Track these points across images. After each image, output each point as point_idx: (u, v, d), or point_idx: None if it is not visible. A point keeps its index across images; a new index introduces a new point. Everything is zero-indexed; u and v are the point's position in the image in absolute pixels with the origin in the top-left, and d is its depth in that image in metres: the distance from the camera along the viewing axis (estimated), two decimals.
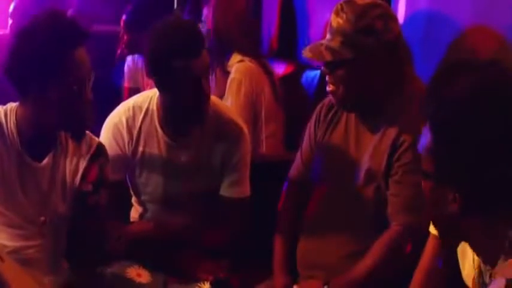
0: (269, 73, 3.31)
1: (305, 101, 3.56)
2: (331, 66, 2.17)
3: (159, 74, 2.35)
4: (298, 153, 2.45)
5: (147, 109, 2.48)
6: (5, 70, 2.02)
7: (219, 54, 3.27)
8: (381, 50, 2.12)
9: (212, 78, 3.21)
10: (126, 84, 3.90)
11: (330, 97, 2.31)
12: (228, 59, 3.30)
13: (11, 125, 2.09)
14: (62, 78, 2.00)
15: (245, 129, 2.54)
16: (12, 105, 2.12)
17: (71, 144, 2.16)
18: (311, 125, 2.41)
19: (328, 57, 2.15)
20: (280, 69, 3.71)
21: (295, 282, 2.30)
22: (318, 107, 2.41)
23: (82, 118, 2.08)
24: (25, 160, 2.10)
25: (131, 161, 2.48)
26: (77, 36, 2.03)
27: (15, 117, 2.09)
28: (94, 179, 2.17)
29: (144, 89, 3.54)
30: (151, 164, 2.47)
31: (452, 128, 1.39)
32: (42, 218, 2.12)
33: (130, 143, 2.47)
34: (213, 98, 2.53)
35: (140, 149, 2.47)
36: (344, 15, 2.12)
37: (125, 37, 3.71)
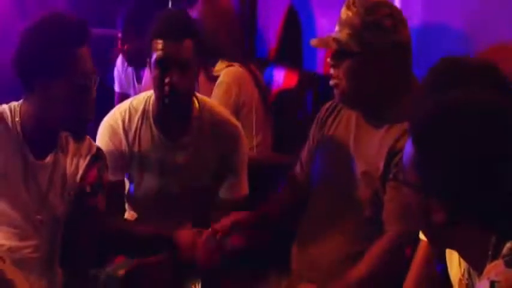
0: (258, 81, 3.36)
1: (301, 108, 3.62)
2: (337, 58, 2.25)
3: (147, 57, 2.45)
4: (301, 155, 2.53)
5: (144, 110, 2.57)
6: (12, 64, 2.13)
7: (203, 59, 3.34)
8: (387, 49, 2.21)
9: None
10: (116, 89, 3.94)
11: (330, 102, 2.41)
12: (213, 65, 3.34)
13: (16, 121, 2.17)
14: (66, 73, 2.10)
15: (241, 130, 2.63)
16: (15, 103, 2.20)
17: (71, 146, 2.24)
18: (312, 127, 2.49)
19: (334, 46, 2.23)
20: (280, 76, 3.74)
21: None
22: (320, 111, 2.49)
23: (84, 116, 2.16)
24: (28, 158, 2.18)
25: (128, 162, 2.55)
26: (81, 34, 2.13)
27: (19, 115, 2.17)
28: (93, 181, 2.25)
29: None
30: (147, 164, 2.55)
31: (430, 138, 1.44)
32: (39, 217, 2.19)
33: (127, 145, 2.55)
34: (207, 99, 2.63)
35: (137, 150, 2.55)
36: (354, 9, 2.21)
37: (126, 47, 3.66)
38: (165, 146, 2.55)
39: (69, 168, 2.24)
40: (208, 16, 3.38)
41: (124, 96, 3.55)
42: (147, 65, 2.53)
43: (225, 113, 2.68)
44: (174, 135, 2.56)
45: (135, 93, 3.60)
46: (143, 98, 2.61)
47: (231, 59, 3.31)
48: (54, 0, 3.77)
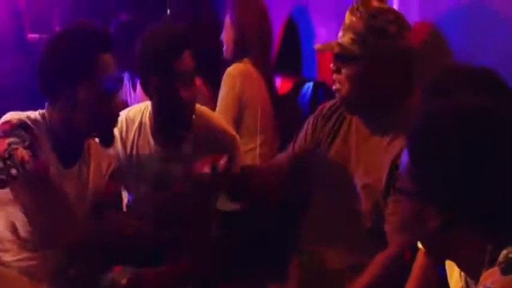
0: (268, 80, 3.39)
1: (300, 117, 3.62)
2: (339, 63, 2.26)
3: (146, 75, 2.49)
4: (290, 145, 2.53)
5: (140, 122, 2.60)
6: (37, 73, 2.17)
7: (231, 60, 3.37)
8: (390, 55, 2.22)
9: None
10: None
11: (334, 101, 2.41)
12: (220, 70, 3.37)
13: (46, 128, 2.19)
14: (89, 79, 2.14)
15: (237, 138, 2.66)
16: (40, 111, 2.22)
17: (93, 159, 2.29)
18: (310, 121, 2.49)
19: (337, 49, 2.25)
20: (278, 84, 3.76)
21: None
22: (319, 108, 2.49)
23: (110, 122, 2.22)
24: (57, 165, 2.20)
25: (125, 172, 2.56)
26: (104, 41, 2.18)
27: (48, 122, 2.19)
28: (111, 195, 2.32)
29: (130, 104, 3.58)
30: (144, 175, 2.57)
31: (423, 147, 1.46)
32: None
33: (124, 154, 2.58)
34: (204, 108, 2.65)
35: (133, 161, 2.58)
36: (358, 14, 2.23)
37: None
38: (161, 159, 2.58)
39: (92, 181, 2.28)
40: (256, 18, 3.43)
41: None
42: (143, 79, 2.55)
43: (221, 122, 2.71)
44: (171, 147, 2.59)
45: (131, 101, 3.62)
46: (139, 109, 2.65)
47: (255, 59, 3.36)
48: (49, 6, 3.79)
